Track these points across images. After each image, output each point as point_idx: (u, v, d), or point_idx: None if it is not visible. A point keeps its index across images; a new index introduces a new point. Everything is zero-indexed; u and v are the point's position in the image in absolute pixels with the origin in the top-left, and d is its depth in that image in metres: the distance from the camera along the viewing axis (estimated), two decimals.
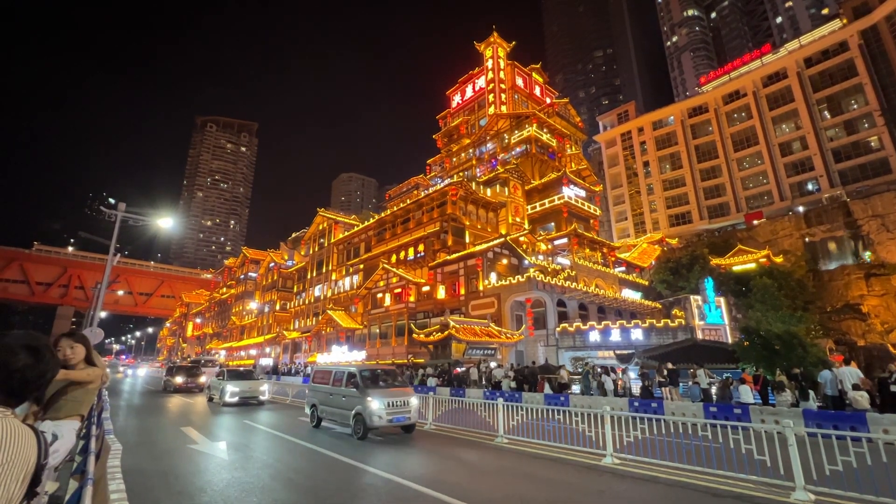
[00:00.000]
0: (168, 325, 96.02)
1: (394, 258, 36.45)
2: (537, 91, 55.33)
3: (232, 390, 16.72)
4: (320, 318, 41.34)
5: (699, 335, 26.29)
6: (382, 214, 40.20)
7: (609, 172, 71.20)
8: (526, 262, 31.15)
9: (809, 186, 52.22)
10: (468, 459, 8.62)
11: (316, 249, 49.22)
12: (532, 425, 10.35)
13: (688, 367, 16.17)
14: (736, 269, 38.02)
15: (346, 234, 44.23)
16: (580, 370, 20.10)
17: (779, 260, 39.60)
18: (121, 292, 78.50)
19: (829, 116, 51.52)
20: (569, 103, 54.77)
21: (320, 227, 49.40)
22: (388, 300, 34.06)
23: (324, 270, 46.71)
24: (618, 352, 22.63)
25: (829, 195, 48.62)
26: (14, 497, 1.14)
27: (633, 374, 18.47)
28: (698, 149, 62.23)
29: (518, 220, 38.39)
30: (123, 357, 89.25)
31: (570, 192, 39.63)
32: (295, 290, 52.31)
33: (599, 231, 47.96)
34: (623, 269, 41.56)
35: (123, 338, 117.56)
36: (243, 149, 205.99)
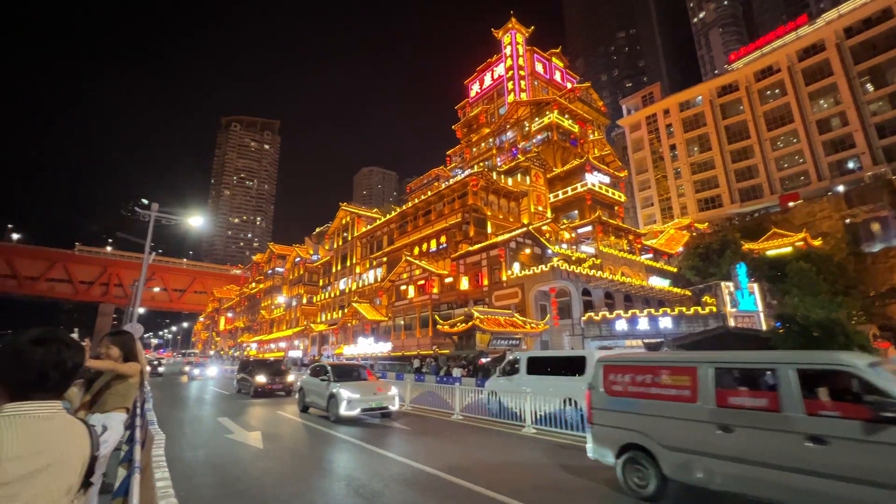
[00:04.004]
0: (202, 319, 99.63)
1: (416, 250, 36.64)
2: (558, 76, 54.15)
3: (350, 397, 11.32)
4: (346, 310, 42.06)
5: (731, 323, 25.48)
6: (404, 207, 40.37)
7: (634, 157, 69.33)
8: (549, 251, 30.78)
9: (850, 165, 49.49)
10: (495, 448, 8.66)
11: (340, 243, 49.95)
12: (559, 415, 10.29)
13: None
14: (770, 253, 36.57)
15: (369, 227, 44.67)
16: None
17: (817, 243, 37.86)
18: (156, 289, 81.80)
19: (871, 89, 48.52)
20: (590, 87, 53.40)
21: (343, 222, 50.05)
22: (411, 292, 34.33)
23: (348, 264, 47.40)
24: (646, 341, 22.21)
25: (871, 173, 45.96)
26: (73, 487, 1.20)
27: None
28: (728, 129, 59.79)
29: (540, 208, 37.89)
30: (161, 351, 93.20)
31: (594, 179, 38.80)
32: (321, 283, 53.33)
33: (625, 218, 46.89)
34: (650, 256, 40.57)
35: (161, 332, 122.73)
36: (267, 146, 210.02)
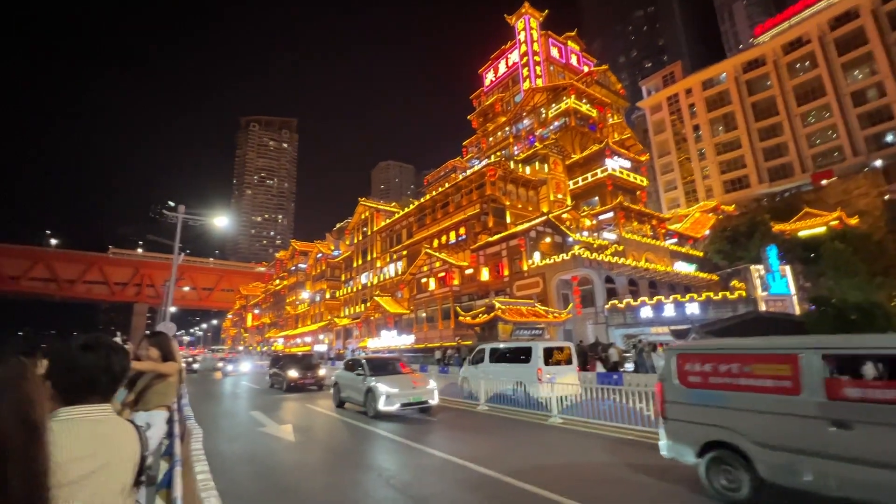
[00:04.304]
0: (230, 316, 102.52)
1: (436, 243, 36.71)
2: (574, 60, 52.92)
3: (389, 392, 10.85)
4: (368, 304, 42.59)
5: (762, 307, 24.72)
6: (422, 200, 40.43)
7: (655, 140, 67.45)
8: (570, 239, 30.38)
9: (889, 138, 46.96)
10: (522, 439, 8.68)
11: (360, 238, 50.46)
12: (586, 405, 10.22)
13: None
14: (802, 234, 35.19)
15: (388, 221, 44.95)
16: (633, 348, 19.56)
17: (853, 222, 36.20)
18: (186, 288, 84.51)
19: None
20: (608, 70, 52.08)
21: (362, 217, 50.49)
22: (432, 284, 34.49)
23: (369, 258, 47.89)
24: (673, 327, 21.75)
25: None
26: (126, 486, 1.26)
27: None
28: (755, 106, 57.44)
29: (560, 196, 37.35)
30: (193, 348, 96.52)
31: (614, 164, 37.95)
32: (343, 278, 54.09)
33: (647, 202, 45.79)
34: (675, 241, 39.59)
35: (192, 330, 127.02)
36: (285, 145, 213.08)
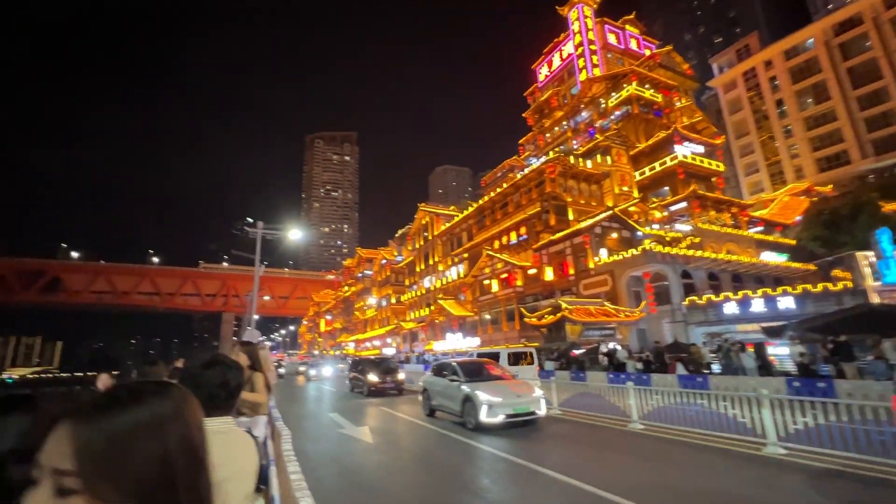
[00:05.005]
0: (305, 322, 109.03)
1: (496, 244, 36.46)
2: (633, 45, 50.21)
3: (491, 401, 9.55)
4: (432, 308, 43.28)
5: (874, 299, 21.65)
6: (480, 202, 40.38)
7: (731, 120, 61.93)
8: (639, 233, 28.74)
9: None
10: (603, 445, 8.31)
11: (421, 243, 51.47)
12: (669, 410, 9.59)
13: (864, 339, 13.45)
14: None
15: (447, 225, 45.42)
16: (716, 347, 18.03)
17: None
18: (266, 297, 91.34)
19: None
20: (672, 51, 48.74)
21: (423, 222, 51.48)
22: (495, 286, 34.27)
23: (430, 262, 48.68)
24: (764, 324, 19.75)
25: None
26: (249, 493, 1.37)
27: (786, 350, 16.02)
28: (852, 72, 50.69)
29: (625, 189, 35.48)
30: (273, 353, 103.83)
31: (685, 150, 35.35)
32: (407, 283, 55.46)
33: (725, 189, 42.13)
34: (760, 229, 36.02)
35: (272, 335, 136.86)
36: (347, 157, 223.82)
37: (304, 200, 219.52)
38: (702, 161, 35.86)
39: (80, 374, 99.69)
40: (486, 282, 35.31)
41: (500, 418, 9.48)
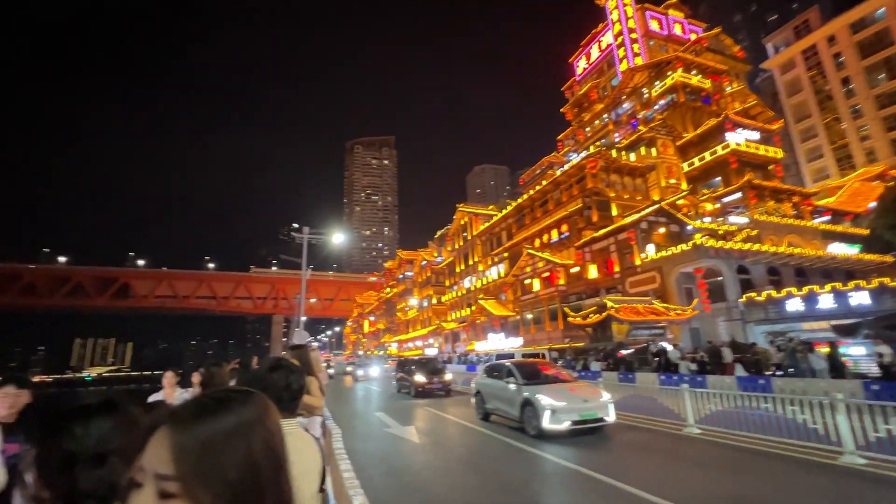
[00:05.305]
0: (349, 323, 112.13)
1: (537, 242, 35.89)
2: (678, 30, 47.86)
3: (554, 406, 8.83)
4: (473, 308, 43.21)
5: None
6: (519, 200, 39.89)
7: (790, 103, 57.61)
8: (689, 227, 27.34)
9: None
10: (657, 450, 7.97)
11: (461, 244, 51.55)
12: (730, 414, 9.05)
13: None
14: None
15: (486, 225, 45.21)
16: (778, 347, 16.84)
17: None
18: (312, 300, 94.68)
19: None
20: (721, 33, 46.07)
21: (461, 223, 51.54)
22: (536, 285, 33.74)
23: (470, 262, 48.64)
24: (834, 322, 18.26)
25: None
26: (315, 493, 1.43)
27: (862, 350, 14.70)
28: None
29: (673, 181, 33.87)
30: (321, 353, 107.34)
31: (738, 137, 33.25)
32: (447, 283, 55.72)
33: (785, 177, 39.30)
34: (826, 218, 33.29)
35: (318, 336, 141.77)
36: (385, 162, 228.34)
37: (345, 205, 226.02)
38: (757, 148, 33.61)
39: (149, 372, 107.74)
40: (528, 281, 34.83)
41: (565, 425, 8.71)
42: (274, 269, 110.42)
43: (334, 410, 14.20)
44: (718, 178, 33.48)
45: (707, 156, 33.75)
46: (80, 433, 0.99)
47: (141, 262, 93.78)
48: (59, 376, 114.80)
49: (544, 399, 8.94)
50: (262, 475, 0.67)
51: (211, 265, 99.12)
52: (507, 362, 11.35)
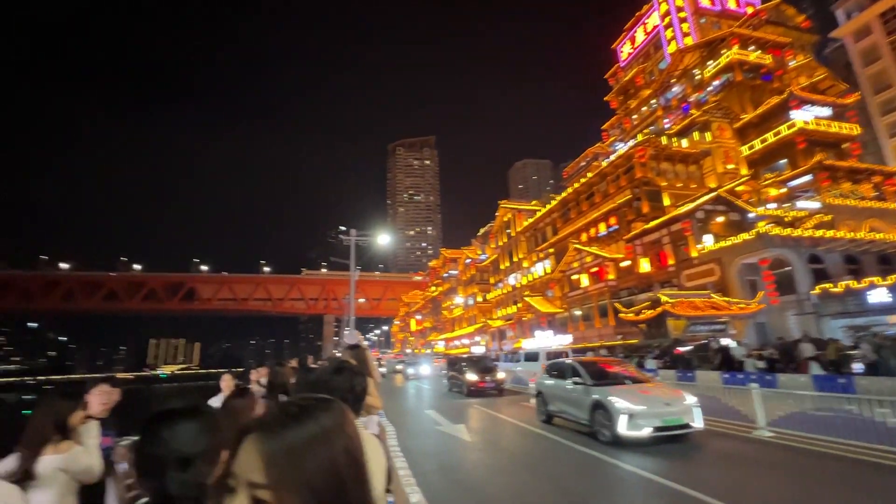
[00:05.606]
0: (397, 322, 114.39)
1: (584, 237, 34.86)
2: (731, 4, 44.67)
3: (632, 410, 7.90)
4: (519, 305, 42.68)
5: None
6: (563, 194, 38.90)
7: (865, 73, 52.10)
8: (751, 215, 25.49)
9: None
10: (727, 454, 7.48)
11: (504, 241, 51.06)
12: (806, 416, 8.36)
13: None
14: None
15: (530, 220, 44.48)
16: (859, 342, 15.32)
17: None
18: (360, 300, 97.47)
19: None
20: (783, 2, 42.53)
21: (505, 219, 51.04)
22: (584, 281, 32.80)
23: (515, 259, 48.07)
24: None
25: None
26: (381, 492, 1.47)
27: None
28: None
29: (731, 167, 31.70)
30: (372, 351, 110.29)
31: (805, 115, 30.56)
32: (491, 281, 55.39)
33: (862, 156, 35.73)
34: None
35: (367, 335, 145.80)
36: (427, 162, 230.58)
37: (389, 206, 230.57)
38: (829, 125, 30.74)
39: (214, 370, 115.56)
40: (575, 276, 33.94)
41: (645, 431, 7.71)
42: (323, 270, 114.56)
43: (386, 408, 14.53)
44: (784, 161, 30.95)
45: (770, 137, 31.27)
46: (168, 437, 1.04)
47: (204, 268, 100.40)
48: (138, 373, 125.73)
49: (619, 402, 7.99)
50: (345, 480, 0.68)
51: (266, 269, 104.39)
52: (571, 360, 10.56)
